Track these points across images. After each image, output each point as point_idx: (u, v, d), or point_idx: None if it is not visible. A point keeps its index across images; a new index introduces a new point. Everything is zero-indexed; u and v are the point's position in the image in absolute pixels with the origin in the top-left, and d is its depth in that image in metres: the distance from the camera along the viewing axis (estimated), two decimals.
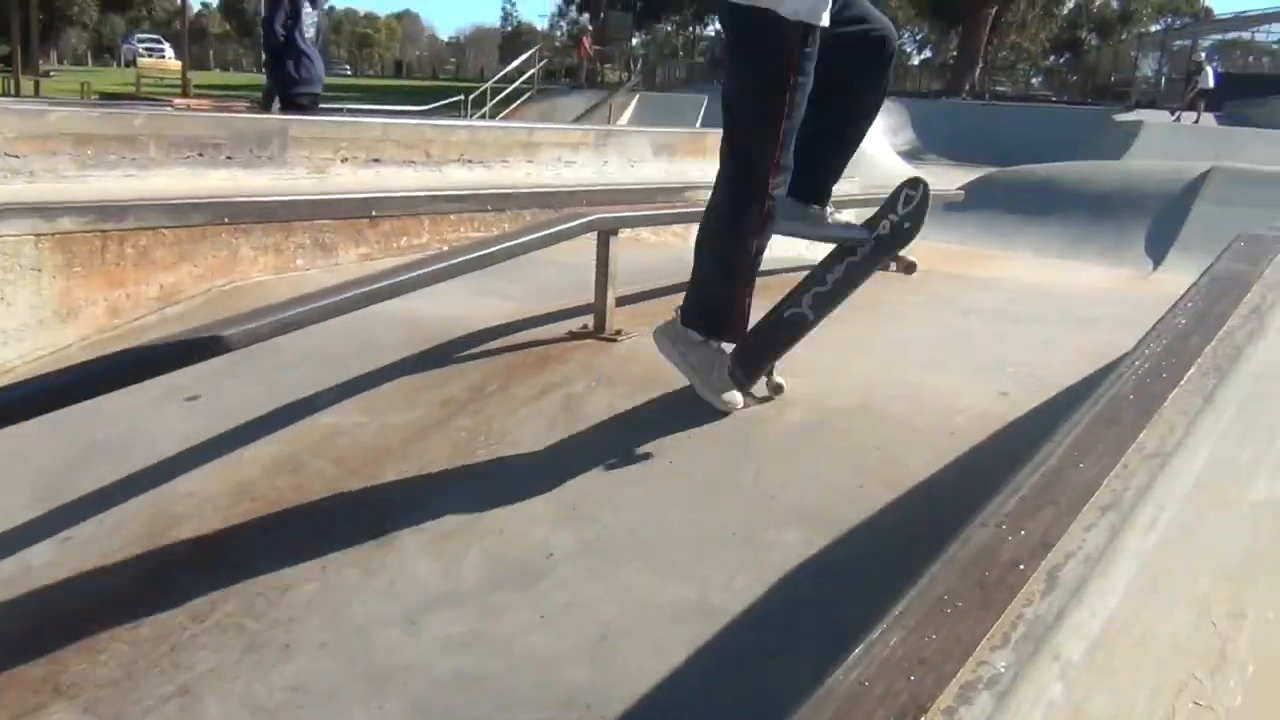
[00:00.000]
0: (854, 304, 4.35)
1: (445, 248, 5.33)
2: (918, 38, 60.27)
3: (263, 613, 2.33)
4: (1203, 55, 30.33)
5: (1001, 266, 10.07)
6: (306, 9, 7.10)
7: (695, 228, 5.81)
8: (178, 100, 16.48)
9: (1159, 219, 11.45)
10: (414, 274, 2.90)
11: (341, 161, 5.48)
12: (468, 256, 3.12)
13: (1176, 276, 10.10)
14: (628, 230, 4.42)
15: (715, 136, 8.59)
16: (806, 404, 2.97)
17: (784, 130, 2.61)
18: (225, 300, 4.30)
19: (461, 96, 22.47)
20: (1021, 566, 1.19)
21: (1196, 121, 24.20)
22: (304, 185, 5.12)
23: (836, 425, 2.84)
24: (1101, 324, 4.12)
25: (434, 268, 3.00)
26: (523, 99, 24.31)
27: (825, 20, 2.53)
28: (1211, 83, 24.95)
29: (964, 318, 4.09)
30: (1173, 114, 25.57)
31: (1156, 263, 10.67)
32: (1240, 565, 1.18)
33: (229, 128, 5.08)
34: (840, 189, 7.43)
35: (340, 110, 15.61)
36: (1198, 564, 1.18)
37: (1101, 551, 1.22)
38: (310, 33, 7.17)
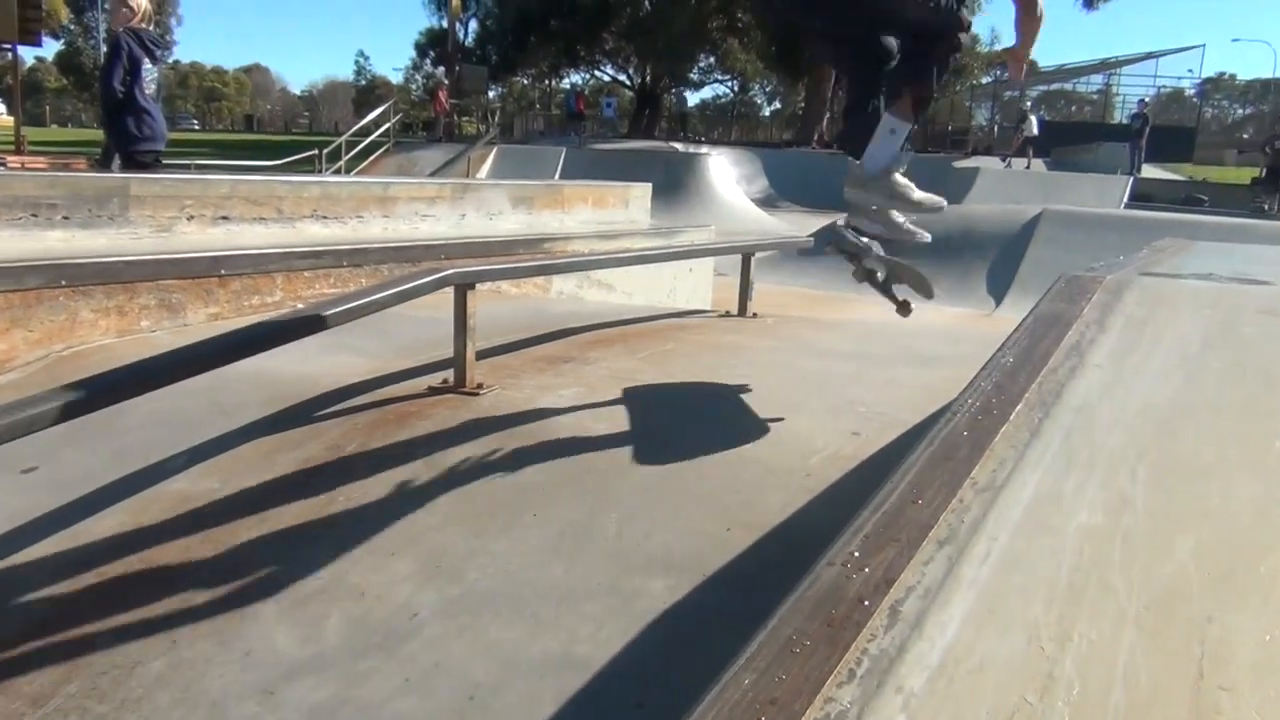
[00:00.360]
0: (718, 348, 4.47)
1: (300, 305, 5.23)
2: (767, 89, 62.25)
3: (108, 693, 2.21)
4: (1028, 105, 32.10)
5: (852, 309, 10.43)
6: (146, 65, 6.89)
7: (556, 279, 5.86)
8: (10, 158, 15.71)
9: (998, 259, 12.07)
10: (266, 332, 2.83)
11: (188, 219, 5.34)
12: (321, 313, 3.06)
13: (1015, 314, 10.65)
14: (488, 283, 4.43)
15: (573, 188, 8.74)
16: (668, 450, 3.01)
17: None
18: (66, 365, 4.12)
19: (316, 151, 22.08)
20: (866, 603, 1.24)
21: (1027, 167, 25.61)
22: (148, 245, 4.96)
23: (698, 470, 2.89)
24: (943, 362, 4.32)
25: (294, 323, 2.94)
26: (379, 153, 24.06)
27: None
28: (1035, 130, 26.46)
29: (819, 360, 4.23)
30: (1004, 161, 26.99)
31: (998, 301, 11.22)
32: (1066, 589, 1.25)
33: (65, 186, 4.89)
34: (695, 238, 7.60)
35: (188, 167, 15.17)
36: (1029, 590, 1.25)
37: (940, 584, 1.28)
38: (151, 89, 6.96)
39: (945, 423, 1.76)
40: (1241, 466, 1.56)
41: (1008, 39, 3.30)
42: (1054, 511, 1.45)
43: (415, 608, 2.39)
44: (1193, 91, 46.55)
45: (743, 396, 3.63)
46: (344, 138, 23.59)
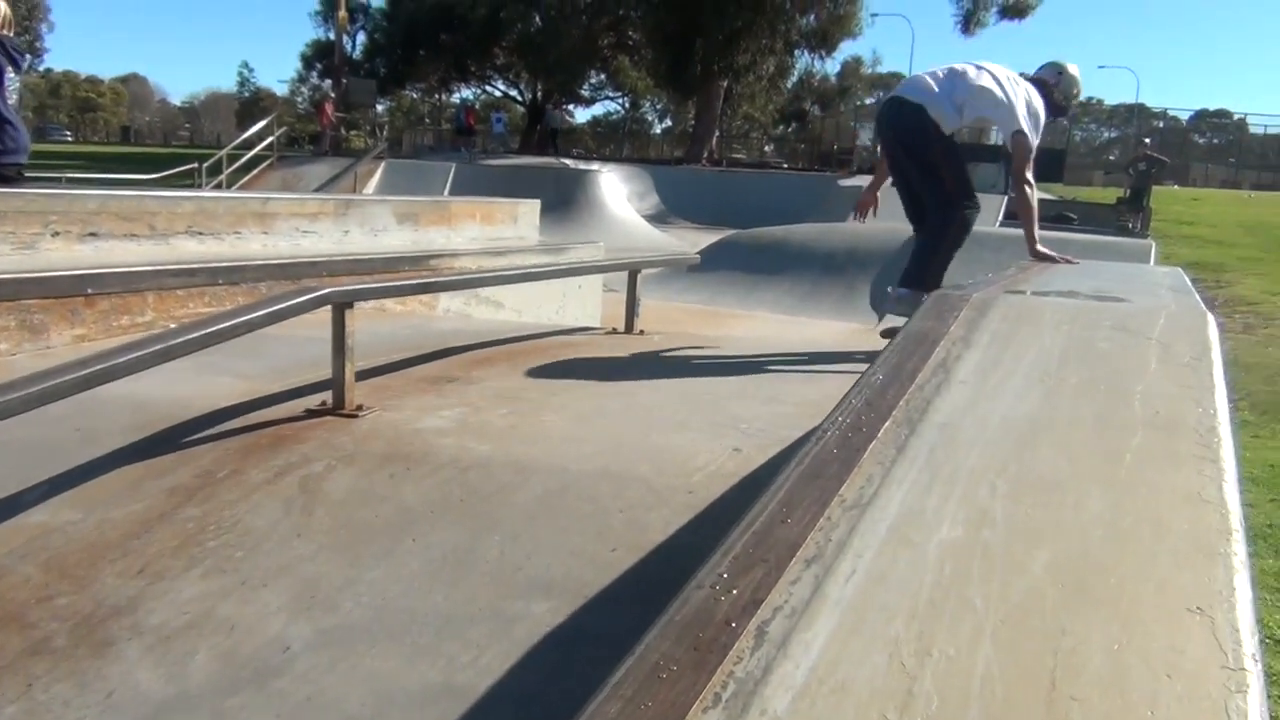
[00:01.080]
0: (603, 365, 4.47)
1: (173, 325, 5.06)
2: (658, 107, 62.82)
3: None
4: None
5: (740, 324, 10.58)
6: (9, 73, 6.59)
7: (443, 297, 5.79)
8: None
9: (881, 275, 12.36)
10: (135, 355, 2.73)
11: (53, 236, 5.11)
12: (191, 335, 2.97)
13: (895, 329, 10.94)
14: (370, 301, 4.35)
15: (460, 204, 8.65)
16: (549, 471, 2.99)
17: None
18: None
19: (196, 165, 21.42)
20: (733, 625, 1.24)
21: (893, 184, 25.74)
22: (8, 262, 4.73)
23: (581, 491, 2.87)
24: (827, 378, 4.40)
25: (156, 348, 2.83)
26: (263, 166, 23.46)
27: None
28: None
29: (703, 377, 4.27)
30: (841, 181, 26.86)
31: (880, 316, 11.48)
32: (927, 605, 1.27)
33: None
34: (584, 254, 7.59)
35: (58, 180, 14.56)
36: (891, 607, 1.27)
37: (806, 603, 1.29)
38: (13, 99, 6.65)
39: (817, 440, 1.79)
40: (1094, 480, 1.62)
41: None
42: (916, 527, 1.48)
43: (287, 640, 2.32)
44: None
45: (628, 415, 3.63)
46: (225, 151, 22.98)
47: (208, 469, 3.16)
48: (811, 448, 1.75)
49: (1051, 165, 34.54)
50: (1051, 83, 5.45)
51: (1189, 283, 3.89)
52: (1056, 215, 20.56)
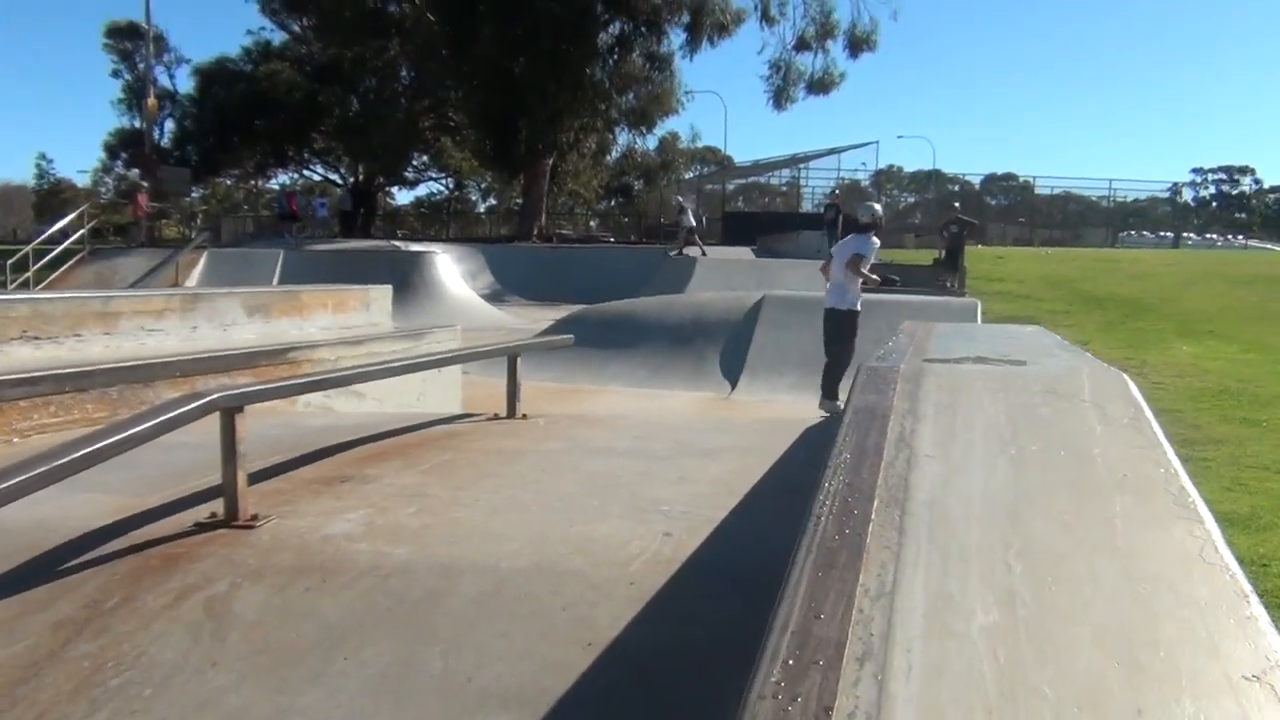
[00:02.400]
0: (501, 455, 4.34)
1: (17, 440, 4.66)
2: (481, 186, 62.87)
3: None
4: (679, 200, 32.49)
5: (599, 400, 10.56)
6: None
7: (313, 395, 5.54)
8: None
9: (729, 344, 12.62)
10: (14, 480, 2.47)
11: None
12: (74, 455, 2.71)
13: (750, 396, 11.15)
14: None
15: (311, 293, 8.35)
16: (480, 571, 2.86)
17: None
18: None
19: None
20: None
21: (703, 254, 25.54)
22: None
23: (516, 590, 2.75)
24: (724, 453, 4.40)
25: (36, 472, 2.57)
26: (73, 261, 22.15)
27: None
28: (692, 221, 26.70)
29: (605, 460, 4.19)
30: (673, 253, 26.44)
31: (733, 384, 11.70)
32: (999, 698, 1.25)
33: None
34: (442, 337, 7.42)
35: None
36: (964, 703, 1.24)
37: (878, 705, 1.24)
38: None
39: (814, 528, 1.76)
40: (1096, 550, 1.65)
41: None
42: (951, 613, 1.46)
43: None
44: (867, 183, 51.25)
45: (544, 505, 3.52)
46: (31, 246, 21.61)
47: (94, 598, 2.88)
48: (812, 536, 1.72)
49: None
50: (869, 221, 9.72)
51: (1063, 340, 4.10)
52: (881, 279, 21.57)
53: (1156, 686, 1.26)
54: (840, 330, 9.17)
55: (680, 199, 31.60)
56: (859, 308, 9.28)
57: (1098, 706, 1.23)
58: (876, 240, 9.61)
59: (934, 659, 1.34)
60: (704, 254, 25.10)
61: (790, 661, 1.34)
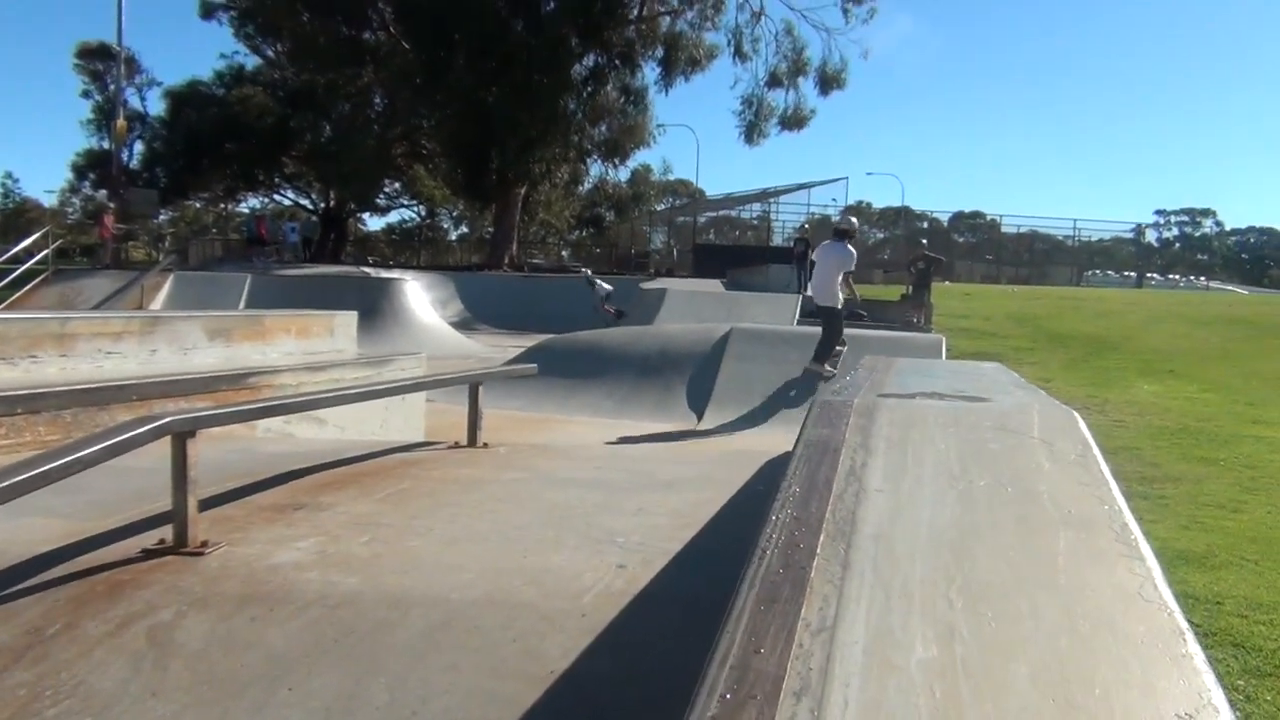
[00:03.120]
0: (458, 484, 4.31)
1: None
2: (453, 214, 62.86)
3: None
4: (586, 272, 29.90)
5: (565, 430, 10.53)
6: None
7: (273, 421, 5.49)
8: None
9: (695, 376, 12.63)
10: None
11: None
12: (19, 478, 2.66)
13: (717, 428, 11.14)
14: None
15: (274, 318, 8.29)
16: (430, 602, 2.82)
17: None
18: None
19: None
20: None
21: (619, 317, 23.75)
22: None
23: (467, 622, 2.72)
24: (684, 485, 4.39)
25: None
26: (36, 281, 21.88)
27: None
28: (604, 290, 24.98)
29: (564, 491, 4.17)
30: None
31: (699, 416, 11.68)
32: None
33: None
34: (406, 365, 7.38)
35: None
36: None
37: None
38: None
39: (759, 561, 1.75)
40: (1037, 585, 1.65)
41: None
42: (891, 648, 1.45)
43: None
44: (837, 218, 51.75)
45: (499, 535, 3.49)
46: None
47: (35, 625, 2.82)
48: (756, 569, 1.71)
49: None
50: (846, 229, 12.54)
51: (1020, 377, 4.14)
52: (849, 313, 21.73)
53: None
54: (828, 319, 12.44)
55: (587, 271, 30.62)
56: (840, 305, 12.43)
57: None
58: (853, 249, 12.43)
59: (871, 695, 1.33)
60: (620, 317, 23.60)
61: (728, 695, 1.33)
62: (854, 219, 13.22)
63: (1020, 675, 1.38)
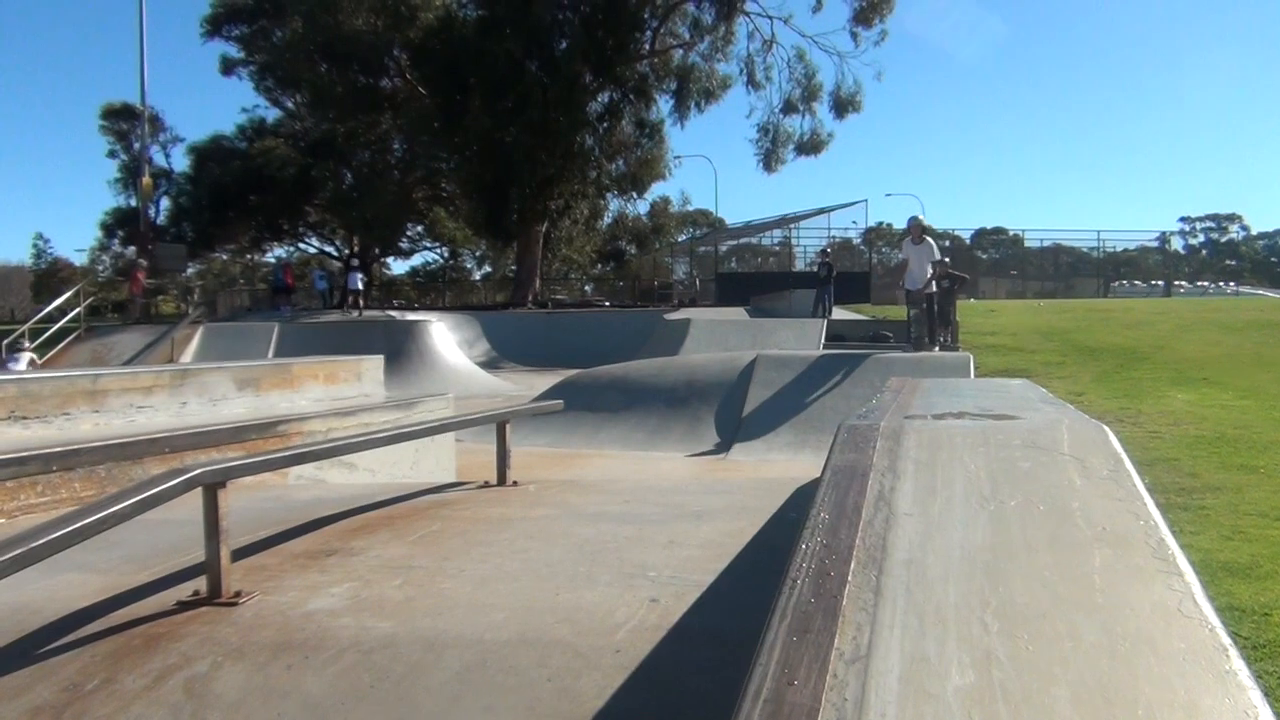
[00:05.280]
0: (489, 523, 4.31)
1: (3, 520, 4.63)
2: (476, 254, 63.36)
3: None
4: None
5: (595, 464, 10.52)
6: None
7: (304, 468, 5.51)
8: None
9: (723, 404, 12.61)
10: None
11: None
12: (53, 535, 2.68)
13: (746, 456, 11.11)
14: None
15: (302, 365, 8.36)
16: (464, 643, 2.82)
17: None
18: None
19: None
20: None
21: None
22: None
23: (501, 662, 2.71)
24: (714, 515, 4.37)
25: (14, 553, 2.54)
26: (70, 339, 22.22)
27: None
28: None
29: (594, 525, 4.16)
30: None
31: (728, 445, 11.65)
32: None
33: None
34: (434, 406, 7.41)
35: None
36: None
37: None
38: None
39: (790, 590, 1.74)
40: (1075, 606, 1.62)
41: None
42: (927, 676, 1.43)
43: None
44: (858, 241, 51.65)
45: (530, 574, 3.48)
46: (28, 325, 21.68)
47: (73, 681, 2.83)
48: (787, 599, 1.70)
49: (858, 287, 36.64)
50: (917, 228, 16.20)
51: (1048, 393, 4.10)
52: (873, 334, 21.65)
53: None
54: (929, 303, 16.02)
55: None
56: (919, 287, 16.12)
57: None
58: (931, 241, 16.12)
59: None
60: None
61: None
62: (918, 216, 17.21)
63: (1061, 699, 1.35)
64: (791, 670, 1.46)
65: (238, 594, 3.29)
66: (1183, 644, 1.47)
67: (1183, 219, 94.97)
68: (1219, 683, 1.37)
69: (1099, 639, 1.51)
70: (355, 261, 34.74)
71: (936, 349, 15.69)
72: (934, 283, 15.96)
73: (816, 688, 1.41)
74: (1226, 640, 1.48)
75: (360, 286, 32.30)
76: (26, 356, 20.59)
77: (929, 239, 16.16)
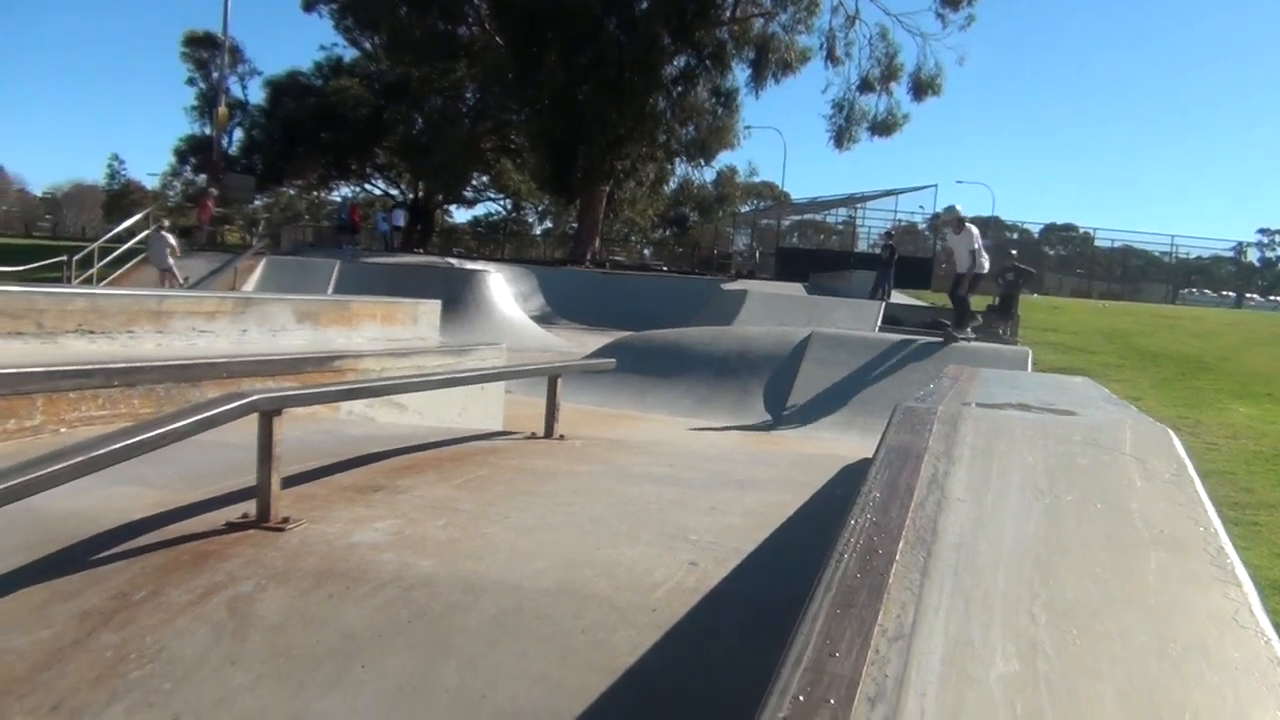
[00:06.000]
0: (534, 474, 4.34)
1: (64, 430, 4.74)
2: (539, 209, 63.43)
3: None
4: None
5: (640, 427, 10.54)
6: None
7: (355, 404, 5.58)
8: None
9: (774, 378, 12.56)
10: (54, 468, 2.50)
11: None
12: (115, 446, 2.74)
13: (794, 432, 11.07)
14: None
15: (361, 303, 8.45)
16: (503, 588, 2.84)
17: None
18: None
19: (65, 257, 20.58)
20: None
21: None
22: None
23: (537, 610, 2.73)
24: (759, 486, 4.36)
25: (76, 460, 2.60)
26: (136, 260, 22.66)
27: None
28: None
29: (638, 486, 4.17)
30: None
31: (776, 419, 11.62)
32: None
33: None
34: (487, 355, 7.44)
35: None
36: None
37: None
38: None
39: (836, 564, 1.72)
40: (1127, 605, 1.60)
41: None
42: (970, 660, 1.42)
43: None
44: (924, 226, 50.96)
45: (573, 527, 3.51)
46: (97, 244, 22.14)
47: (122, 590, 2.91)
48: (833, 573, 1.69)
49: (919, 272, 36.17)
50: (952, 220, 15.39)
51: (1110, 393, 4.02)
52: (932, 321, 21.39)
53: None
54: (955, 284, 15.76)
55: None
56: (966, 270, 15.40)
57: None
58: (974, 228, 15.45)
59: (949, 705, 1.30)
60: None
61: (801, 698, 1.31)
62: (954, 206, 16.33)
63: (1106, 696, 1.33)
64: (834, 642, 1.46)
65: (285, 520, 3.35)
66: (1236, 653, 1.44)
67: (1261, 230, 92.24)
68: (1272, 695, 1.34)
69: (1149, 640, 1.48)
70: (398, 199, 34.94)
71: (965, 335, 15.23)
72: (973, 269, 15.39)
73: (858, 661, 1.40)
74: None
75: (401, 224, 32.47)
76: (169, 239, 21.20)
77: (970, 226, 15.52)
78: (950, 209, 15.94)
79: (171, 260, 22.14)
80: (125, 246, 22.68)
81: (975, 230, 15.35)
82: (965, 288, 15.47)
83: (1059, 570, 1.71)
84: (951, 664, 1.40)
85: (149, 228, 23.67)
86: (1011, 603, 1.59)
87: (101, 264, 21.40)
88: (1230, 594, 1.62)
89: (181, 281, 21.74)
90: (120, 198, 71.59)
